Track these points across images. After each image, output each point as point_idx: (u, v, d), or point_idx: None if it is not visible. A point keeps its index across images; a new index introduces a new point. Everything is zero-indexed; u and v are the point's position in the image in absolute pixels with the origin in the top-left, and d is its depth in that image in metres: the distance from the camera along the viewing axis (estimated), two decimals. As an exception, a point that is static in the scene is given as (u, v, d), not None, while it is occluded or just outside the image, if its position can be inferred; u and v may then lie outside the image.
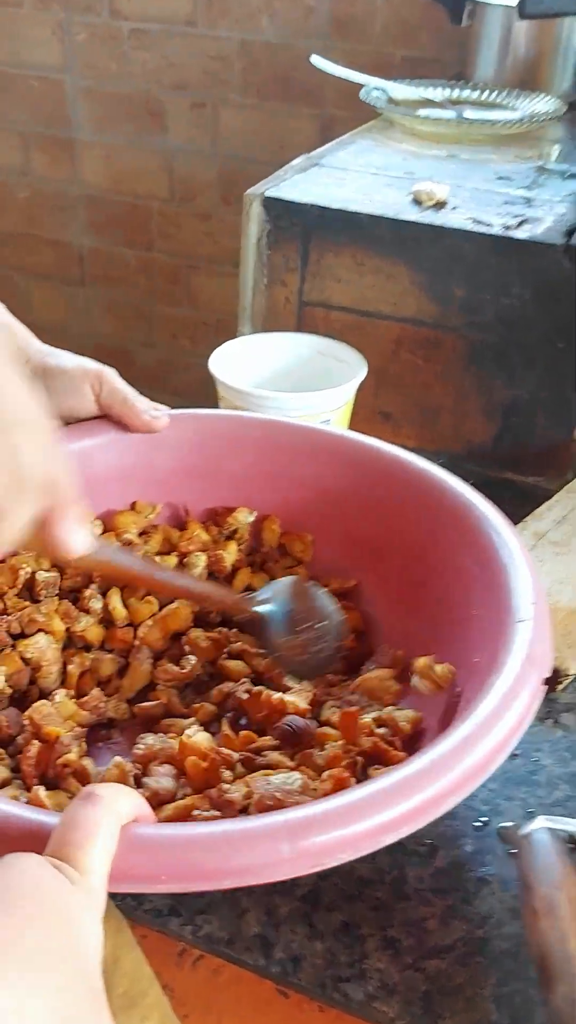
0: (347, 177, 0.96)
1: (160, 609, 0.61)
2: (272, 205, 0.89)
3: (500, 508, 0.60)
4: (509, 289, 0.82)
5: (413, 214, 0.85)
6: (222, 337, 0.81)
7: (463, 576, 0.59)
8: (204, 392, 0.83)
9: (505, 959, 0.48)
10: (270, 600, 0.59)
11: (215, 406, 0.80)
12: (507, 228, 0.83)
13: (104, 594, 0.60)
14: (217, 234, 1.83)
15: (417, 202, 0.88)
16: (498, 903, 0.51)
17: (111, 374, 0.61)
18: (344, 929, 0.49)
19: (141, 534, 0.65)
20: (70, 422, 0.62)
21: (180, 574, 0.60)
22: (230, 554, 0.65)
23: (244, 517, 0.68)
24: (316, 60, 1.21)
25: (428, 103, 1.20)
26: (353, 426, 0.81)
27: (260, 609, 0.58)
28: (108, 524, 0.65)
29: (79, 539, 0.43)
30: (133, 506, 0.67)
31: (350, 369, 0.79)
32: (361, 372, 0.78)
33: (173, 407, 0.69)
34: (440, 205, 0.87)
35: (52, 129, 1.86)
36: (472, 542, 0.59)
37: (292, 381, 0.83)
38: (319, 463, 0.69)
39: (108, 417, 0.62)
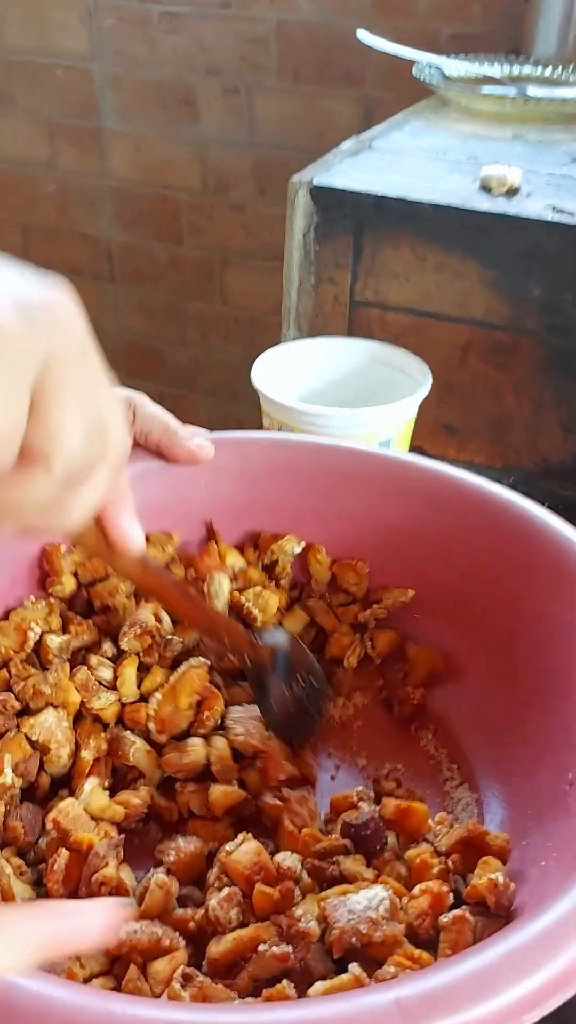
0: (403, 161, 0.86)
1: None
2: (321, 194, 0.79)
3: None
4: (594, 286, 0.72)
5: (483, 202, 0.75)
6: (256, 335, 0.73)
7: (565, 633, 0.49)
8: (236, 392, 0.74)
9: None
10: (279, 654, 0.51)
11: (254, 413, 0.71)
12: (592, 217, 0.73)
13: (116, 658, 0.51)
14: (252, 227, 1.73)
15: (486, 188, 0.78)
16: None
17: (144, 399, 0.52)
18: None
19: None
20: None
21: (206, 602, 0.53)
22: (272, 595, 0.56)
23: (291, 547, 0.59)
24: (363, 35, 1.11)
25: (486, 80, 1.09)
26: (413, 440, 0.71)
27: (271, 643, 0.51)
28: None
29: (138, 533, 0.40)
30: (147, 539, 0.57)
31: (412, 381, 0.70)
32: (425, 384, 0.68)
33: (206, 410, 0.60)
34: (513, 192, 0.77)
35: (79, 119, 1.78)
36: (572, 592, 0.50)
37: (345, 394, 0.73)
38: (377, 493, 0.59)
39: (143, 447, 0.52)
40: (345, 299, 0.82)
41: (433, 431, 0.82)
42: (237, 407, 1.91)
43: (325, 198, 0.79)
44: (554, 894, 0.34)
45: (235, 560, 0.58)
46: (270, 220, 1.69)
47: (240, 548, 0.59)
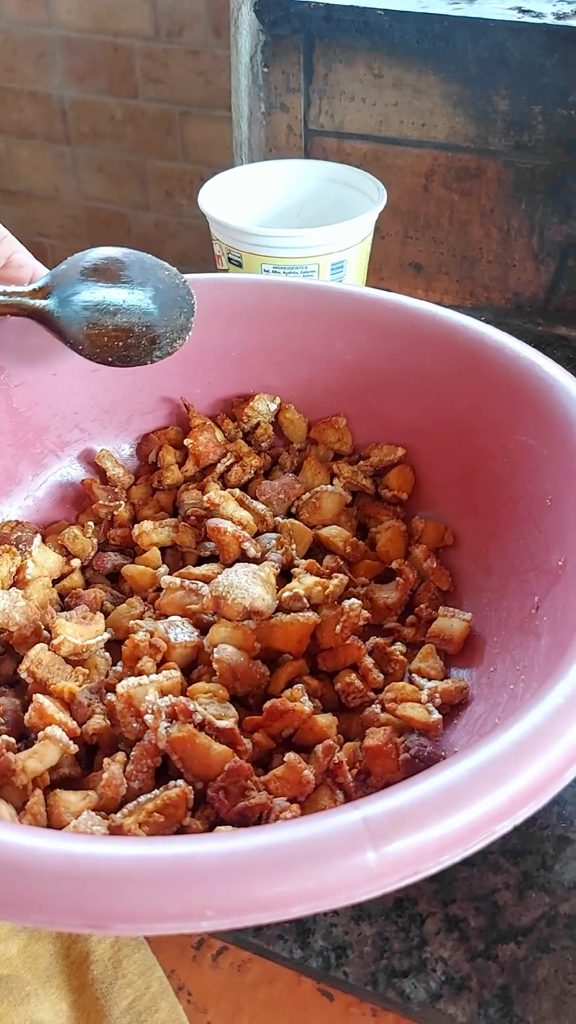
0: (357, -31, 0.78)
1: None
2: (265, 8, 0.73)
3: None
4: (566, 97, 0.67)
5: (442, 6, 0.69)
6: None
7: (527, 458, 0.47)
8: (206, 258, 0.70)
9: (599, 939, 0.39)
10: (67, 284, 0.46)
11: (213, 266, 0.67)
12: (561, 17, 0.66)
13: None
14: (210, 73, 1.62)
15: (447, -9, 0.71)
16: (584, 864, 0.42)
17: None
18: (397, 907, 0.40)
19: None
20: None
21: None
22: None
23: (265, 406, 0.56)
24: None
25: None
26: (378, 281, 0.67)
27: (39, 304, 0.45)
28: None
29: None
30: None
31: (368, 200, 0.65)
32: (380, 200, 0.64)
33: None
34: (476, -7, 0.70)
35: (17, -42, 1.64)
36: (534, 415, 0.47)
37: (301, 218, 0.69)
38: (332, 331, 0.56)
39: None
40: (299, 128, 0.76)
41: (399, 271, 0.78)
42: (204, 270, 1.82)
43: (271, 12, 0.72)
44: (523, 710, 0.33)
45: (217, 436, 0.55)
46: (228, 64, 1.57)
47: (214, 419, 0.57)
